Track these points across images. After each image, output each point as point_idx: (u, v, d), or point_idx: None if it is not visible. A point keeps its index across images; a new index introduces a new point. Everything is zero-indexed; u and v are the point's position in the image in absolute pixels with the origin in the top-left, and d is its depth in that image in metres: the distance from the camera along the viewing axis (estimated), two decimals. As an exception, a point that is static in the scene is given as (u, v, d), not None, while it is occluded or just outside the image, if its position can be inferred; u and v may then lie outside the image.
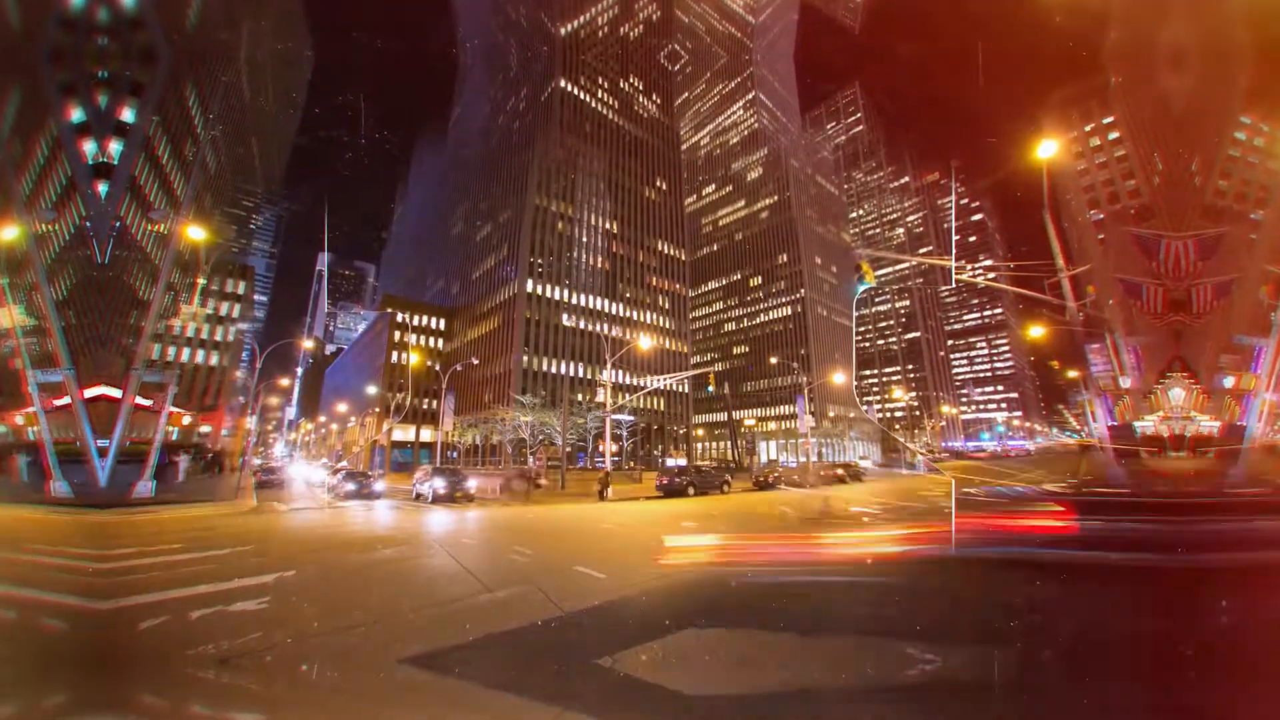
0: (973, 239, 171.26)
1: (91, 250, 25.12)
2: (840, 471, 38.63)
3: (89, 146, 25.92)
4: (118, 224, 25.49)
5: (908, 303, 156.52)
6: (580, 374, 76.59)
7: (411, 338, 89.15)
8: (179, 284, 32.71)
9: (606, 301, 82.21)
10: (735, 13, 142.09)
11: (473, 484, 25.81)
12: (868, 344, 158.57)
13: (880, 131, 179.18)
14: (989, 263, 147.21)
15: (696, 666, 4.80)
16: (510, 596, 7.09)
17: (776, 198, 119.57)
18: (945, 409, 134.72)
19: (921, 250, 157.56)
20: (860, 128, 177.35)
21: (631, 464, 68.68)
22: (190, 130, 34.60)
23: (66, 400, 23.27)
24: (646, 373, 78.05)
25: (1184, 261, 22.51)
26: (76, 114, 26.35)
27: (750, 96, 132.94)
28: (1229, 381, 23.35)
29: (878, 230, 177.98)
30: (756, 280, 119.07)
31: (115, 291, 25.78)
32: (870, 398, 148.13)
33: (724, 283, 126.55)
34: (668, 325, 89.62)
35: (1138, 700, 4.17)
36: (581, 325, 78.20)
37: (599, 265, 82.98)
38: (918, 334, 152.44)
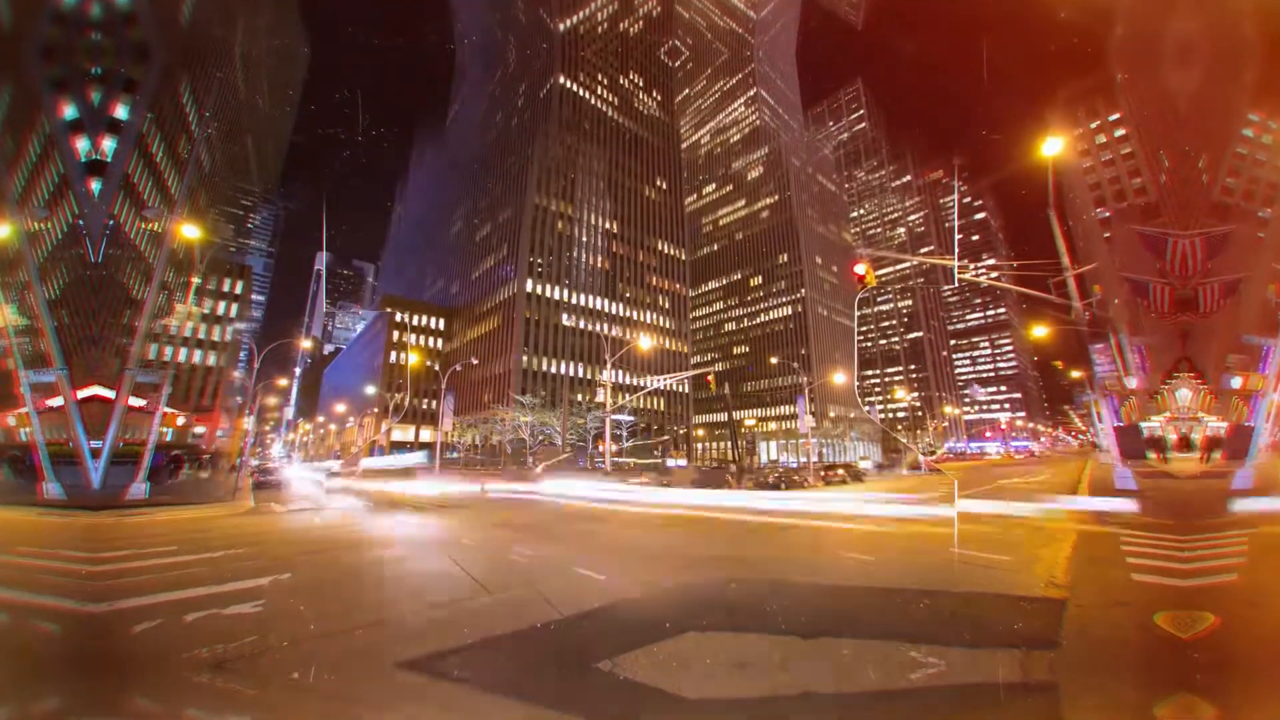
0: (975, 238, 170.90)
1: (84, 249, 24.85)
2: (841, 472, 38.42)
3: (82, 144, 25.61)
4: (111, 222, 25.25)
5: (910, 302, 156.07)
6: (580, 374, 76.29)
7: (411, 337, 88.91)
8: (173, 283, 32.40)
9: (606, 301, 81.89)
10: (737, 8, 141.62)
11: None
12: (870, 344, 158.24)
13: (883, 129, 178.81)
14: (992, 262, 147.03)
15: (697, 670, 4.73)
16: (509, 599, 7.01)
17: (777, 197, 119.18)
18: (948, 409, 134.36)
19: (923, 250, 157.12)
20: (863, 125, 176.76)
21: (631, 463, 68.35)
22: (185, 128, 34.30)
23: (59, 401, 23.01)
24: (646, 373, 77.75)
25: (1191, 260, 22.19)
26: (69, 111, 26.04)
27: (751, 93, 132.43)
28: (1237, 381, 23.00)
29: (879, 230, 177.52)
30: (757, 280, 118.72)
31: (109, 290, 25.52)
32: (872, 398, 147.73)
33: (724, 282, 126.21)
34: (668, 325, 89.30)
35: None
36: (581, 325, 77.90)
37: (599, 265, 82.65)
38: (920, 334, 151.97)
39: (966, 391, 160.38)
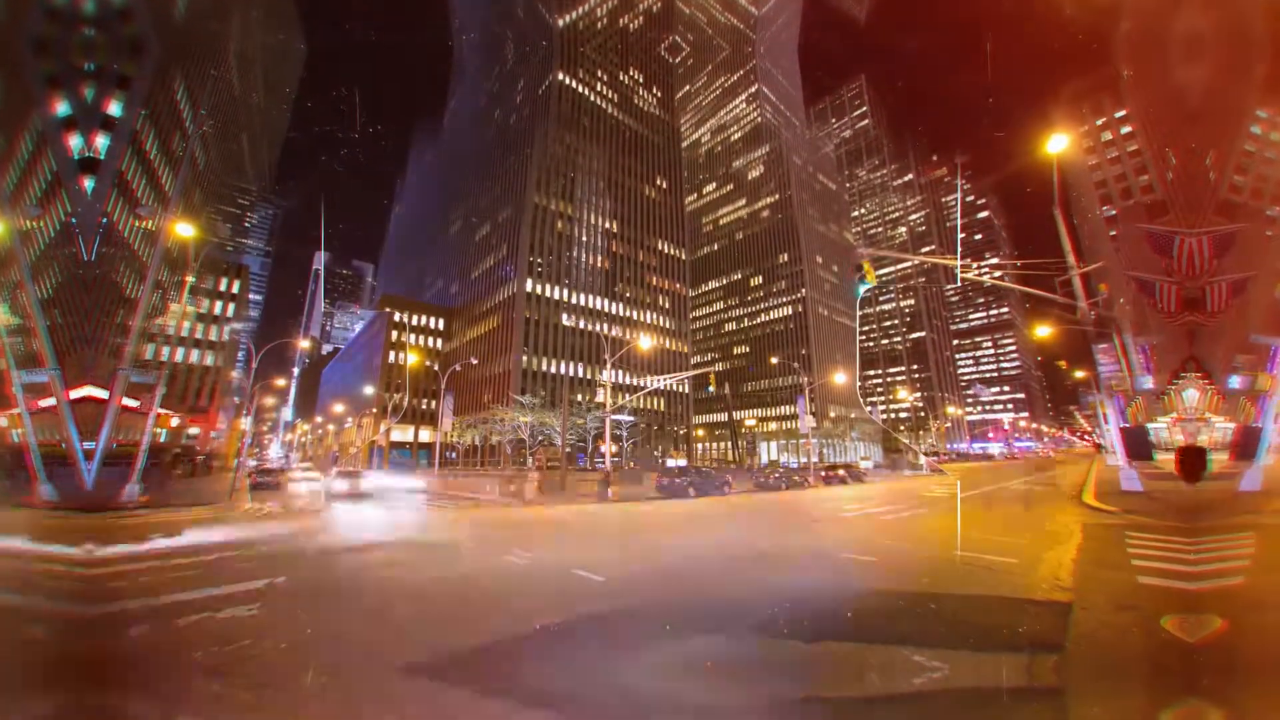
0: (978, 237, 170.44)
1: (77, 247, 24.53)
2: (842, 473, 38.29)
3: (75, 140, 25.28)
4: (104, 220, 24.92)
5: (912, 302, 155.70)
6: (580, 374, 76.02)
7: (410, 337, 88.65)
8: (168, 282, 32.09)
9: (606, 301, 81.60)
10: (738, 3, 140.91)
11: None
12: (871, 344, 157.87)
13: (885, 126, 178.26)
14: (995, 261, 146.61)
15: (699, 674, 4.68)
16: (508, 601, 6.97)
17: (778, 196, 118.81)
18: (950, 410, 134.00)
19: (925, 249, 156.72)
20: (866, 121, 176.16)
21: (631, 464, 68.10)
22: (179, 124, 33.95)
23: (52, 401, 22.78)
24: (646, 373, 77.45)
25: (1199, 258, 21.87)
26: (62, 107, 25.71)
27: (753, 90, 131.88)
28: (1245, 382, 22.71)
29: (880, 229, 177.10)
30: (757, 280, 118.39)
31: (102, 289, 25.19)
32: (874, 398, 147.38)
33: (724, 282, 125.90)
34: (668, 325, 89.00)
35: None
36: (581, 325, 77.62)
37: (599, 264, 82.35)
38: (923, 334, 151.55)
39: (970, 392, 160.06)
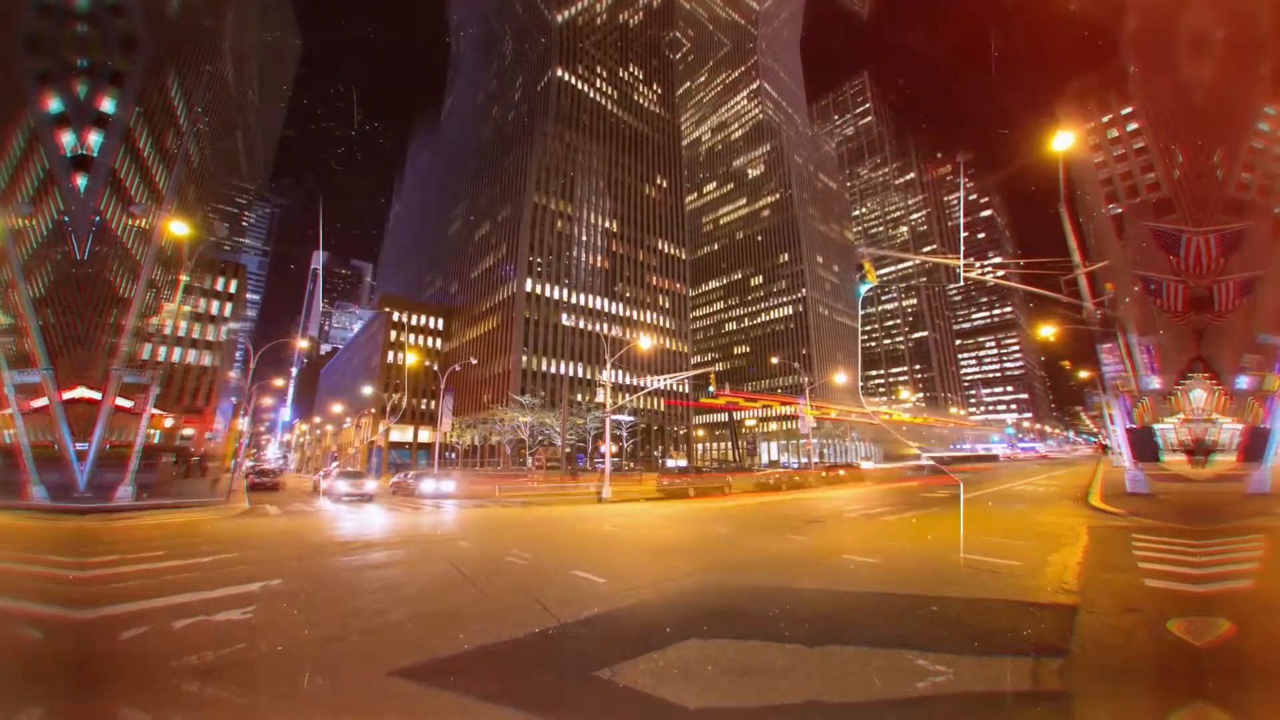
0: (981, 235, 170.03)
1: (70, 246, 24.28)
2: (843, 473, 38.16)
3: (67, 138, 24.98)
4: (97, 218, 24.65)
5: (915, 301, 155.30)
6: (580, 374, 75.76)
7: (409, 337, 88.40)
8: (162, 281, 31.84)
9: (606, 301, 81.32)
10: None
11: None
12: (873, 344, 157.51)
13: (888, 124, 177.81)
14: (999, 260, 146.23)
15: (699, 678, 4.63)
16: (506, 604, 6.95)
17: (778, 195, 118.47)
18: (953, 410, 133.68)
19: (927, 248, 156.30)
20: (868, 119, 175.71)
21: (631, 464, 67.87)
22: (173, 122, 33.65)
23: (44, 402, 22.61)
24: (646, 373, 77.20)
25: (1206, 257, 21.52)
26: (54, 104, 25.40)
27: (754, 86, 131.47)
28: (1253, 382, 22.38)
29: (881, 229, 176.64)
30: (757, 279, 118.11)
31: (95, 288, 24.93)
32: (876, 398, 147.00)
33: (725, 282, 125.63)
34: (668, 325, 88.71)
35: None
36: (581, 325, 77.35)
37: (598, 264, 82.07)
38: (925, 333, 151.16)
39: (972, 392, 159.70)
